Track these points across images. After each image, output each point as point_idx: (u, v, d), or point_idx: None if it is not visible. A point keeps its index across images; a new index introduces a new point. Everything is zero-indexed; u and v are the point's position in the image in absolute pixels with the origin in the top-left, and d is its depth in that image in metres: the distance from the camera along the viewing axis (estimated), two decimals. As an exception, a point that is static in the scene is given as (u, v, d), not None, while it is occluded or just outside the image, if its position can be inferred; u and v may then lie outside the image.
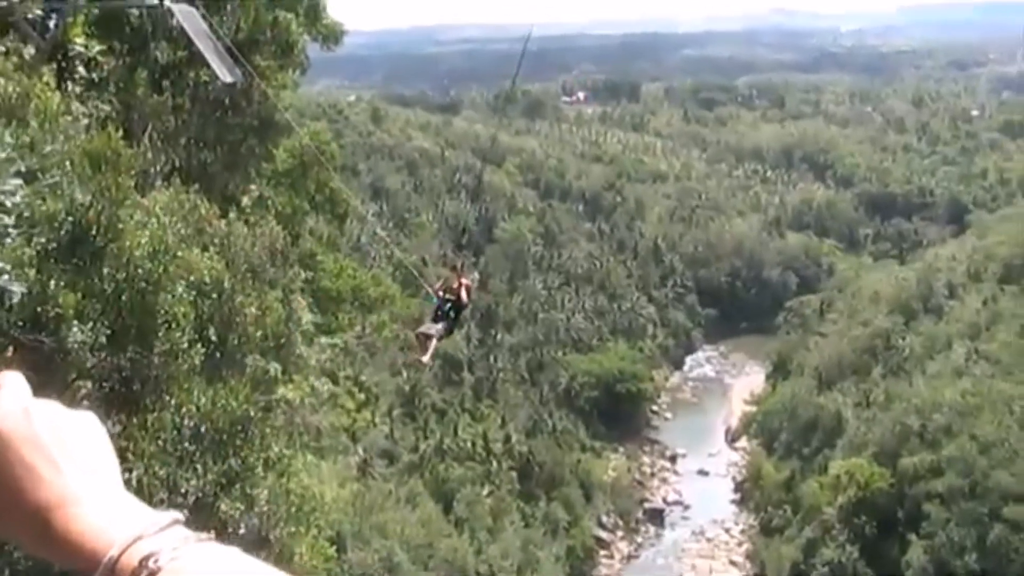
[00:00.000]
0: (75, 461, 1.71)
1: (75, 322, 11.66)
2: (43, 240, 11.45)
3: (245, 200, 22.72)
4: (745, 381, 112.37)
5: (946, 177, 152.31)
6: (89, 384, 12.35)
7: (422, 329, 20.17)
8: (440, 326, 19.27)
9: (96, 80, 16.87)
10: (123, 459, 13.33)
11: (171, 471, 13.66)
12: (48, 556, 1.65)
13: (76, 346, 11.74)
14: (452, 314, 19.29)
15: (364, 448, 61.55)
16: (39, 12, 17.29)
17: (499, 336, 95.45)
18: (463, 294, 19.33)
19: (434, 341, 19.44)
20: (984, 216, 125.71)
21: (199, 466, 14.17)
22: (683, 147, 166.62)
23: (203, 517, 14.44)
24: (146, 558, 1.53)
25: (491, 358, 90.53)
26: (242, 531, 15.18)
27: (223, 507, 14.71)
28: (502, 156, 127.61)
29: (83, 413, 1.80)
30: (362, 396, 64.41)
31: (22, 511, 1.67)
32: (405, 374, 74.81)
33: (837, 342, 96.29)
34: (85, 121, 13.80)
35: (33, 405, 1.76)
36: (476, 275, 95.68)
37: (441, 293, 19.57)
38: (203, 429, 14.25)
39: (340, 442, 55.22)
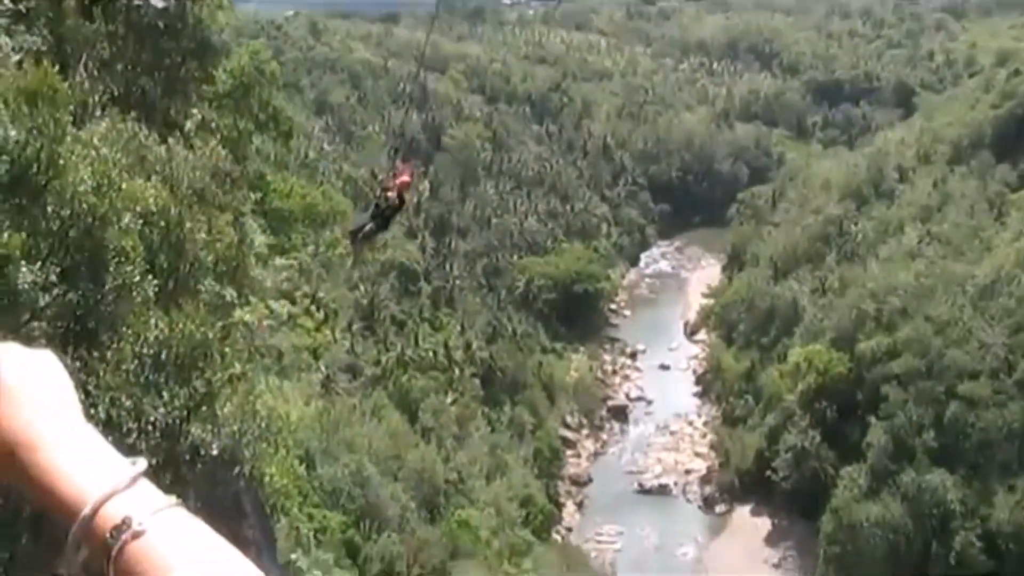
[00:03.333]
0: (39, 401, 1.76)
1: (23, 263, 11.52)
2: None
3: (188, 125, 22.34)
4: (701, 274, 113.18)
5: (892, 60, 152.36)
6: (44, 324, 12.24)
7: (353, 226, 19.96)
8: (370, 225, 18.84)
9: (23, 11, 16.46)
10: (86, 394, 13.30)
11: (137, 401, 13.63)
12: (23, 492, 1.72)
13: (26, 287, 11.61)
14: (387, 211, 18.78)
15: (326, 365, 61.53)
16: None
17: (454, 244, 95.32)
18: (394, 189, 18.70)
19: (360, 242, 19.16)
20: (931, 98, 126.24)
21: (164, 393, 14.15)
22: (627, 44, 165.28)
23: (173, 444, 14.46)
24: (123, 523, 1.61)
25: (447, 266, 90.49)
26: (214, 453, 15.23)
27: (193, 431, 14.73)
28: (445, 63, 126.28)
29: (41, 352, 1.85)
30: (321, 314, 64.33)
31: None
32: (362, 288, 74.71)
33: (790, 231, 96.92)
34: (16, 57, 13.48)
35: None
36: (427, 184, 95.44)
37: (378, 194, 19.12)
38: (164, 356, 14.20)
39: (302, 360, 55.26)
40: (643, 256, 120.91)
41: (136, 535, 1.61)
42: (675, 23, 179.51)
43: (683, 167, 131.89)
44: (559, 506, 75.44)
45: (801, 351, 76.23)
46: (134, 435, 13.47)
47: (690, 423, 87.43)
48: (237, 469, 16.81)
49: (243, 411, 16.15)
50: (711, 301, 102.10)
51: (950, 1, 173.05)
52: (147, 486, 1.69)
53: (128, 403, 13.42)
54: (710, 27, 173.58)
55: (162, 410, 13.92)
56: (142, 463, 1.72)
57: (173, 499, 1.68)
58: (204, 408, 14.93)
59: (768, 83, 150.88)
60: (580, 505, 77.73)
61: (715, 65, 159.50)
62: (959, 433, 64.59)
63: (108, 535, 1.62)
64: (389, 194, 18.54)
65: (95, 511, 1.63)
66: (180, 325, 14.21)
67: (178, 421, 14.24)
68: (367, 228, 18.91)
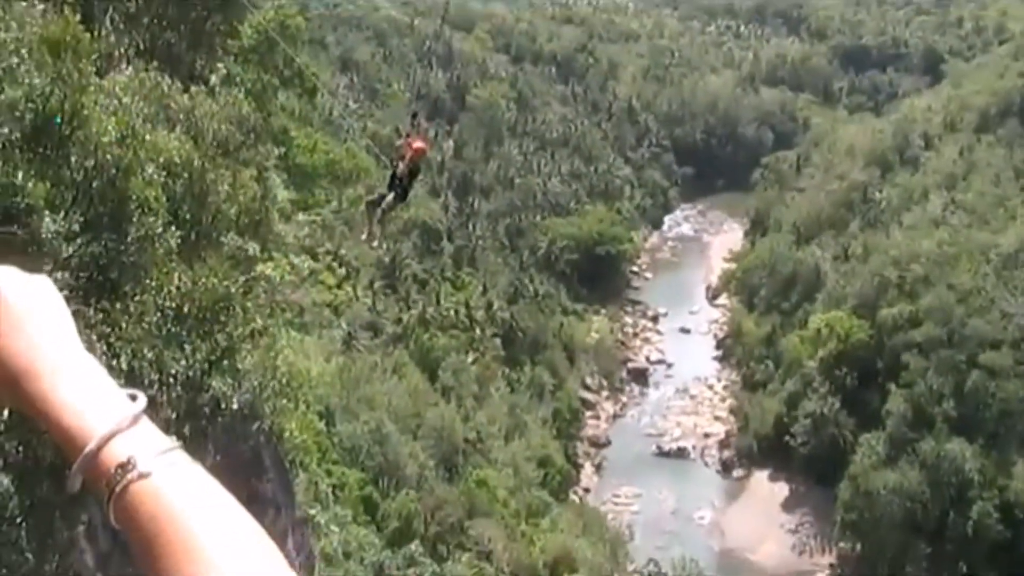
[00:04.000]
0: (41, 328, 1.78)
1: (46, 212, 11.54)
2: (5, 131, 11.25)
3: (213, 79, 22.31)
4: (723, 238, 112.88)
5: (921, 27, 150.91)
6: (67, 275, 12.27)
7: (371, 197, 19.24)
8: (390, 195, 17.99)
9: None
10: (108, 345, 13.35)
11: (158, 353, 13.68)
12: (29, 418, 1.74)
13: (50, 236, 11.63)
14: (404, 180, 18.13)
15: (347, 322, 61.72)
16: None
17: (476, 203, 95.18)
18: (407, 157, 17.87)
19: (381, 214, 18.21)
20: (960, 65, 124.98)
21: (186, 346, 14.20)
22: (654, 5, 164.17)
23: (194, 396, 14.54)
24: (127, 462, 1.64)
25: (470, 226, 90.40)
26: (235, 407, 15.31)
27: (214, 384, 14.79)
28: (471, 21, 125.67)
29: (39, 277, 1.85)
30: (342, 271, 64.47)
31: None
32: (383, 247, 74.72)
33: (814, 196, 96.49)
34: (41, 6, 13.47)
35: None
36: (450, 143, 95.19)
37: (395, 161, 18.36)
38: (186, 309, 14.24)
39: (323, 317, 55.42)
40: (666, 219, 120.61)
41: (141, 475, 1.62)
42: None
43: (707, 130, 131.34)
44: (577, 467, 75.68)
45: (822, 317, 76.05)
46: (155, 387, 13.54)
47: (710, 387, 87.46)
48: (257, 424, 16.91)
49: (264, 366, 16.22)
50: (733, 265, 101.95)
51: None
52: (149, 425, 1.71)
53: (150, 355, 13.48)
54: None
55: (184, 363, 13.99)
56: (142, 399, 1.73)
57: (175, 441, 1.69)
58: (225, 362, 14.99)
59: (795, 48, 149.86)
60: (598, 467, 77.95)
61: (742, 28, 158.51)
62: (979, 403, 64.42)
63: (112, 473, 1.64)
64: (401, 164, 17.89)
65: (99, 448, 1.65)
66: (203, 279, 14.24)
67: (199, 374, 14.32)
68: (388, 199, 18.08)
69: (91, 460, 1.65)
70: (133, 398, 1.74)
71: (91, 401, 1.70)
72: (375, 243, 20.23)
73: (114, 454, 1.65)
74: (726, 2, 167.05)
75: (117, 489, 1.63)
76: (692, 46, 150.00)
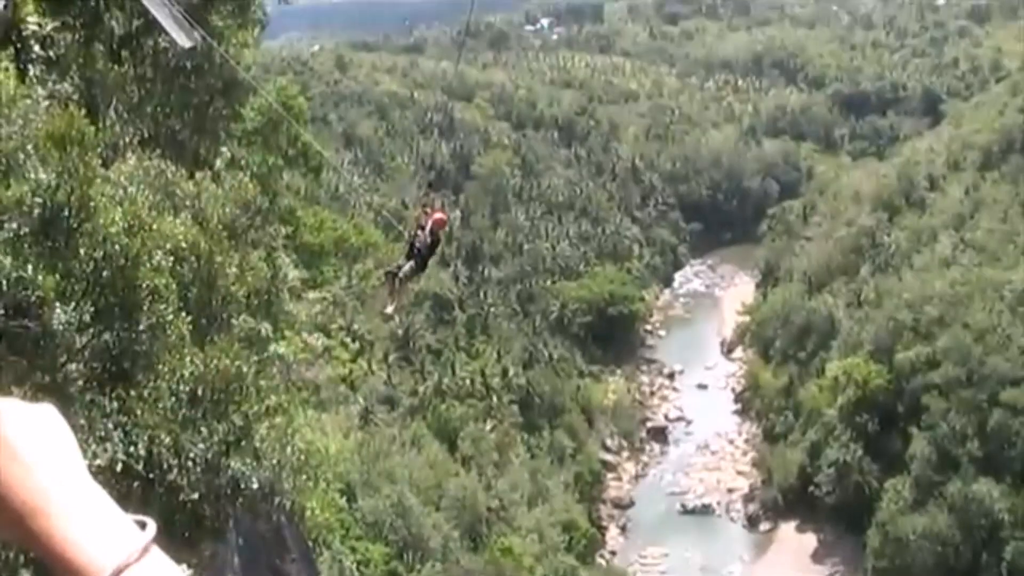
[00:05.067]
0: (46, 463, 1.73)
1: (57, 304, 11.64)
2: (14, 225, 11.39)
3: (218, 163, 22.52)
4: (735, 292, 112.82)
5: (917, 69, 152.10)
6: (80, 366, 12.35)
7: (389, 267, 19.18)
8: (409, 265, 17.83)
9: (54, 58, 16.66)
10: (125, 433, 13.41)
11: (176, 437, 13.72)
12: (36, 554, 1.68)
13: (61, 328, 11.72)
14: (423, 251, 17.94)
15: (364, 396, 61.76)
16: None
17: (487, 271, 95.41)
18: (427, 227, 17.68)
19: (399, 284, 18.10)
20: (959, 105, 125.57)
21: (203, 428, 14.22)
22: (652, 64, 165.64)
23: (212, 478, 14.53)
24: None
25: (481, 294, 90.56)
26: (254, 487, 15.29)
27: (233, 465, 14.80)
28: (472, 91, 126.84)
29: (43, 406, 1.80)
30: (356, 345, 64.58)
31: (3, 515, 1.69)
32: (397, 319, 74.95)
33: (823, 244, 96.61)
34: (45, 103, 13.68)
35: None
36: (457, 212, 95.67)
37: (412, 232, 18.29)
38: (200, 392, 14.28)
39: (339, 393, 55.43)
40: (676, 276, 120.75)
41: None
42: (699, 42, 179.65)
43: (712, 185, 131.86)
44: (602, 530, 75.18)
45: (839, 364, 75.81)
46: (175, 470, 13.56)
47: (731, 441, 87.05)
48: (278, 502, 16.88)
49: (281, 444, 16.23)
50: (746, 318, 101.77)
51: (973, 5, 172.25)
52: (158, 555, 1.68)
53: (167, 440, 13.50)
54: (734, 44, 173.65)
55: (201, 445, 14.00)
56: (151, 528, 1.70)
57: (185, 570, 1.68)
58: (243, 442, 15.00)
59: (794, 97, 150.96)
60: (623, 528, 77.43)
61: (740, 82, 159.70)
62: (1004, 441, 64.03)
63: None
64: (420, 232, 17.84)
65: None
66: (215, 360, 14.31)
67: (217, 456, 14.32)
68: (405, 269, 17.90)
69: None
70: (143, 525, 1.70)
71: (99, 535, 1.66)
72: (389, 309, 20.22)
73: None
74: (722, 57, 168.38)
75: None
76: (691, 102, 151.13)
